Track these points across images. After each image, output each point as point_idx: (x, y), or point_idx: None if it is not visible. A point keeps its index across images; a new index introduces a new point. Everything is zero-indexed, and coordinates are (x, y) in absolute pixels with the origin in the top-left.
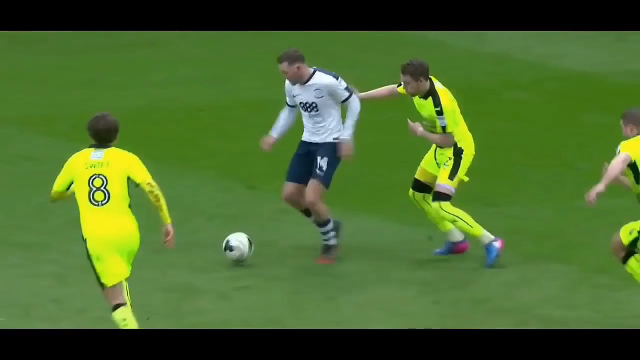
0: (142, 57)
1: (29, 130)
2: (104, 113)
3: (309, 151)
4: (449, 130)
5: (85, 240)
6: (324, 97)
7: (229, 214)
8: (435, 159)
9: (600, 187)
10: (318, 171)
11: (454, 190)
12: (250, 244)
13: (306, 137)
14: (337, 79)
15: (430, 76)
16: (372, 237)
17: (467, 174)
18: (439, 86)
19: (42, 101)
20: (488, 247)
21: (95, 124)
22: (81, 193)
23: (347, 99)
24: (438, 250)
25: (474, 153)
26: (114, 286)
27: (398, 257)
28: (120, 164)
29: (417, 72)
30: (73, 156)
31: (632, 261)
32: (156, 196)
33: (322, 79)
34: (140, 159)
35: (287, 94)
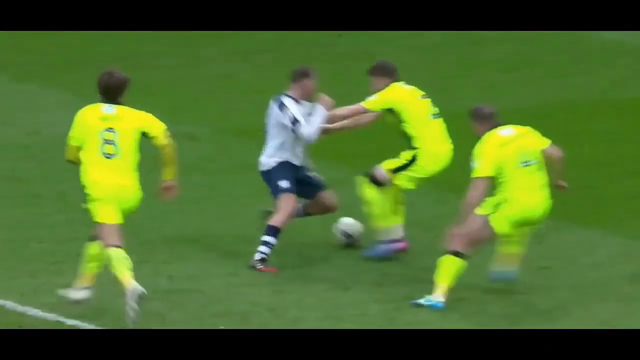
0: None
1: (246, 139)
2: (113, 69)
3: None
4: (405, 129)
5: (85, 187)
6: None
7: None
8: None
9: None
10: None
11: (388, 181)
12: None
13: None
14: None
15: (394, 78)
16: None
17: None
18: (400, 85)
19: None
20: (383, 243)
21: (106, 79)
22: (91, 144)
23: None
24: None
25: (434, 171)
26: (110, 226)
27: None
28: (133, 119)
29: (374, 69)
30: (81, 110)
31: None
32: (174, 148)
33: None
34: None
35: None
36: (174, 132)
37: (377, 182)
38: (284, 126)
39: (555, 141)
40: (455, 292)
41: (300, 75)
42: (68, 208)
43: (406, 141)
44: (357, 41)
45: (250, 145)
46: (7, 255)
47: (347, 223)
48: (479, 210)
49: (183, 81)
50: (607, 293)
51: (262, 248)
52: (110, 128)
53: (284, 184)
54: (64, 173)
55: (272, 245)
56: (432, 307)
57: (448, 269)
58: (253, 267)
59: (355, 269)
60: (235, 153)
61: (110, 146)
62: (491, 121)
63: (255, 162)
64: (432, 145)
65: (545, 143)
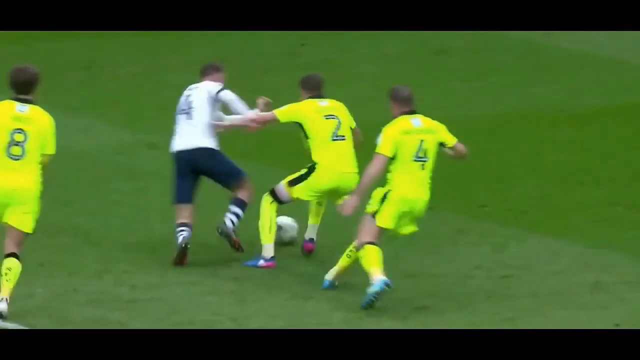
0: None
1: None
2: (25, 65)
3: None
4: (308, 144)
5: None
6: None
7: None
8: None
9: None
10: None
11: (287, 197)
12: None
13: None
14: None
15: (312, 92)
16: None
17: None
18: (315, 101)
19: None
20: (258, 257)
21: (15, 75)
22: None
23: None
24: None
25: (328, 186)
26: (10, 231)
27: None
28: (42, 122)
29: (299, 83)
30: None
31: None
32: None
33: None
34: None
35: None
36: (134, 140)
37: (277, 198)
38: (214, 111)
39: (516, 150)
40: (416, 300)
41: (214, 69)
42: None
43: (309, 155)
44: (321, 50)
45: None
46: None
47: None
48: (368, 209)
49: (144, 90)
50: (568, 301)
51: (233, 217)
52: (21, 129)
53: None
54: None
55: (241, 218)
56: (380, 289)
57: (370, 256)
58: (223, 232)
59: (318, 278)
60: None
61: (18, 148)
62: (407, 105)
63: None
64: (329, 163)
65: (453, 140)
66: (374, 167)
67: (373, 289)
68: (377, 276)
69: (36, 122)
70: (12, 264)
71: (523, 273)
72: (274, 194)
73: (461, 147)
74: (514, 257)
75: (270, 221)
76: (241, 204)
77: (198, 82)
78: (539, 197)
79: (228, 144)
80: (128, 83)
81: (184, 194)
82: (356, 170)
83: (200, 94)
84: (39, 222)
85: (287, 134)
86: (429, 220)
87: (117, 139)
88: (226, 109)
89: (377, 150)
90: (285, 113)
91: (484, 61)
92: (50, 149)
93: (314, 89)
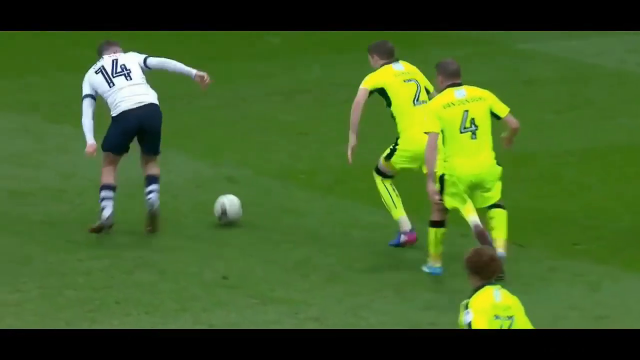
0: None
1: (289, 183)
2: None
3: None
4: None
5: None
6: None
7: None
8: None
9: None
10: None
11: (390, 171)
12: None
13: None
14: None
15: (390, 59)
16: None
17: None
18: (392, 66)
19: (302, 153)
20: (398, 234)
21: None
22: None
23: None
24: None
25: (411, 150)
26: None
27: None
28: None
29: (369, 49)
30: None
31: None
32: None
33: None
34: None
35: None
36: (213, 173)
37: (383, 174)
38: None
39: (610, 184)
40: None
41: (115, 44)
42: (104, 254)
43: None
44: None
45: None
46: (41, 302)
47: (232, 202)
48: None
49: (222, 122)
50: None
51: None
52: None
53: None
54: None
55: None
56: (432, 273)
57: (432, 237)
58: (156, 212)
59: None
60: (276, 196)
61: None
62: (452, 78)
63: (296, 207)
64: (413, 129)
65: (505, 110)
66: (429, 148)
67: (427, 269)
68: (435, 261)
69: None
70: None
71: (619, 313)
72: (379, 172)
73: (513, 120)
74: (609, 297)
75: (389, 196)
76: (158, 180)
77: (97, 59)
78: (634, 233)
79: (308, 177)
80: (205, 115)
81: (123, 148)
82: None
83: (129, 59)
84: (114, 258)
85: (365, 168)
86: (519, 259)
87: (195, 172)
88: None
89: (425, 129)
90: (370, 82)
91: (574, 92)
92: None
93: (390, 54)
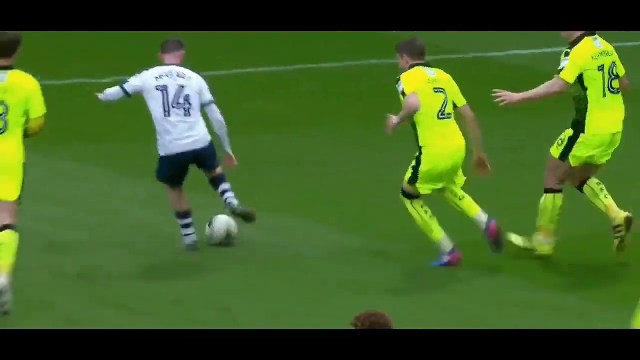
0: None
1: None
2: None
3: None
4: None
5: None
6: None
7: None
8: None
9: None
10: None
11: (417, 193)
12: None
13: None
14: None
15: (419, 59)
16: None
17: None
18: (424, 70)
19: None
20: (441, 255)
21: None
22: None
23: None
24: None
25: (441, 161)
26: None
27: None
28: (21, 91)
29: (398, 47)
30: None
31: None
32: (36, 135)
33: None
34: None
35: None
36: (360, 246)
37: (411, 197)
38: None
39: None
40: None
41: (179, 46)
42: None
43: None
44: None
45: None
46: None
47: (234, 226)
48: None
49: (368, 190)
50: None
51: (231, 194)
52: (1, 101)
53: None
54: None
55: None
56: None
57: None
58: (239, 211)
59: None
60: None
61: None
62: (420, 57)
63: None
64: (435, 145)
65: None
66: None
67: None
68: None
69: (16, 91)
70: (6, 237)
71: None
72: (406, 195)
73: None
74: None
75: (423, 218)
76: (225, 177)
77: (163, 59)
78: None
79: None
80: (350, 181)
81: (177, 180)
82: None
83: (194, 90)
84: None
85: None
86: None
87: (341, 246)
88: None
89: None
90: (410, 86)
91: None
92: (38, 111)
93: (422, 55)
